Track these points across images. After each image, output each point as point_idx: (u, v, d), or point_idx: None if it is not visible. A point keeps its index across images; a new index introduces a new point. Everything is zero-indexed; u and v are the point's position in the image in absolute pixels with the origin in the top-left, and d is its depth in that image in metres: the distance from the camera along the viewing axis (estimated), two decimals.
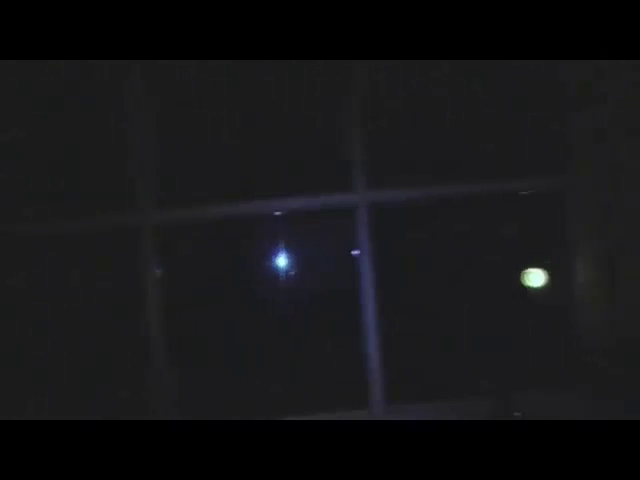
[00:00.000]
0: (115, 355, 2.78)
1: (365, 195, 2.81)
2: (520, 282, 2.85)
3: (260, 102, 2.85)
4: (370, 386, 2.78)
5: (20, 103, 2.75)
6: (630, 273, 2.66)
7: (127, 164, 2.78)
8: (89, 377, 2.76)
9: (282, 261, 2.92)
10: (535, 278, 2.81)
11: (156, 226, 2.78)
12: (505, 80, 2.87)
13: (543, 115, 2.87)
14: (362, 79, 2.82)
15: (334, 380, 2.84)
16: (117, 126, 2.80)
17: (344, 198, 2.83)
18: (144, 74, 2.78)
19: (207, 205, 2.80)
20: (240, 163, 2.87)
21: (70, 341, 2.77)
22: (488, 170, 2.86)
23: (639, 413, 2.40)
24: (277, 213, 2.88)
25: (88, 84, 2.78)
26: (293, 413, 2.70)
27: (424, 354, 2.87)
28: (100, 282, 2.79)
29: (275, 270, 2.92)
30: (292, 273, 2.93)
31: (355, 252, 2.85)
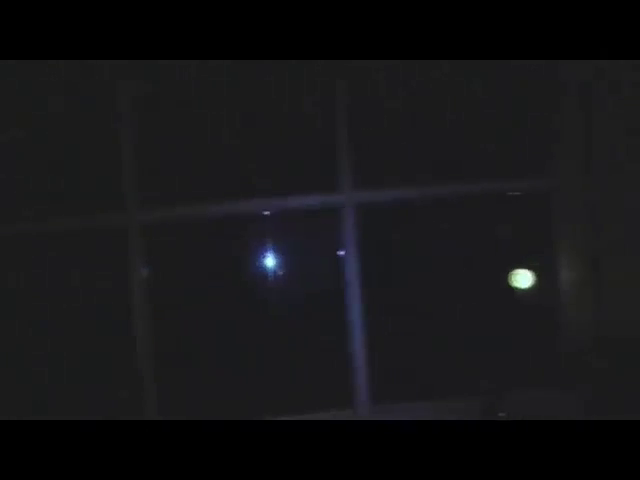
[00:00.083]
0: (101, 355, 2.76)
1: (352, 195, 2.80)
2: (507, 283, 2.85)
3: (247, 102, 2.84)
4: (355, 386, 2.78)
5: (6, 103, 2.72)
6: (615, 274, 2.67)
7: (114, 163, 2.76)
8: (75, 377, 2.74)
9: (269, 261, 2.91)
10: (522, 279, 2.81)
11: (143, 226, 2.76)
12: (492, 81, 2.88)
13: (529, 116, 2.88)
14: (349, 79, 2.80)
15: (320, 380, 2.83)
16: (104, 125, 2.77)
17: (330, 198, 2.82)
18: (133, 74, 2.75)
19: (192, 205, 2.78)
20: (226, 163, 2.86)
21: (56, 341, 2.75)
22: (475, 171, 2.86)
23: (625, 413, 2.41)
24: (266, 213, 2.87)
25: (76, 84, 2.75)
26: (278, 413, 2.68)
27: (410, 354, 2.87)
28: (86, 282, 2.77)
29: (262, 270, 2.91)
30: (279, 273, 2.92)
31: (341, 252, 2.84)
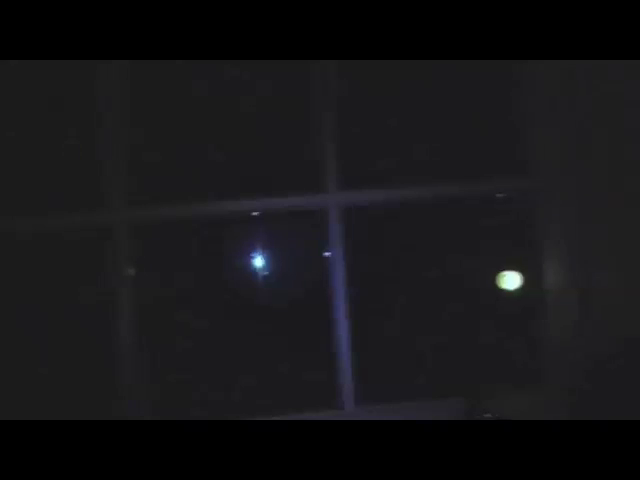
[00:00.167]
0: (86, 355, 2.73)
1: (337, 196, 2.80)
2: (492, 283, 2.86)
3: (232, 102, 2.84)
4: (340, 386, 2.77)
5: None
6: (600, 275, 2.69)
7: (100, 162, 2.74)
8: (58, 377, 2.71)
9: (254, 261, 2.91)
10: (510, 280, 2.82)
11: (129, 225, 2.73)
12: (474, 81, 2.89)
13: (514, 117, 2.90)
14: (334, 79, 2.80)
15: (304, 380, 2.83)
16: (89, 124, 2.75)
17: (316, 199, 2.82)
18: (116, 73, 2.73)
19: (178, 205, 2.77)
20: (212, 163, 2.85)
21: (39, 342, 2.71)
22: (460, 172, 2.87)
23: (609, 413, 2.42)
24: (255, 213, 2.86)
25: (59, 83, 2.73)
26: (262, 413, 2.67)
27: (395, 354, 2.88)
28: (71, 282, 2.75)
29: (247, 270, 2.91)
30: (264, 274, 2.92)
31: (327, 253, 2.83)
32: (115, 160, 2.73)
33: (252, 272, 2.92)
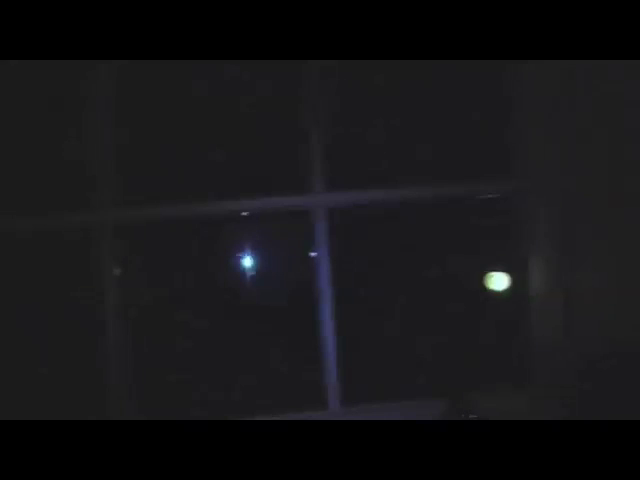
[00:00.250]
0: (73, 355, 2.72)
1: (323, 197, 2.81)
2: (478, 284, 2.87)
3: (221, 104, 2.83)
4: (326, 386, 2.78)
5: None
6: (585, 275, 2.71)
7: (87, 162, 2.73)
8: (45, 377, 2.69)
9: (241, 262, 2.91)
10: (498, 281, 2.83)
11: (114, 226, 2.73)
12: (463, 84, 2.90)
13: (502, 119, 2.91)
14: (319, 79, 2.81)
15: (291, 380, 2.83)
16: (76, 123, 2.74)
17: (302, 200, 2.82)
18: (103, 74, 2.72)
19: (163, 206, 2.77)
20: (198, 164, 2.84)
21: (25, 342, 2.70)
22: (447, 173, 2.88)
23: (593, 413, 2.44)
24: (244, 214, 2.86)
25: (47, 83, 2.71)
26: (250, 413, 2.67)
27: (381, 355, 2.89)
28: (57, 282, 2.73)
29: (233, 271, 2.91)
30: (251, 274, 2.92)
31: (313, 253, 2.84)
32: (102, 161, 2.73)
33: (239, 272, 2.92)
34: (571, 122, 2.72)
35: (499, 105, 2.92)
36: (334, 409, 2.76)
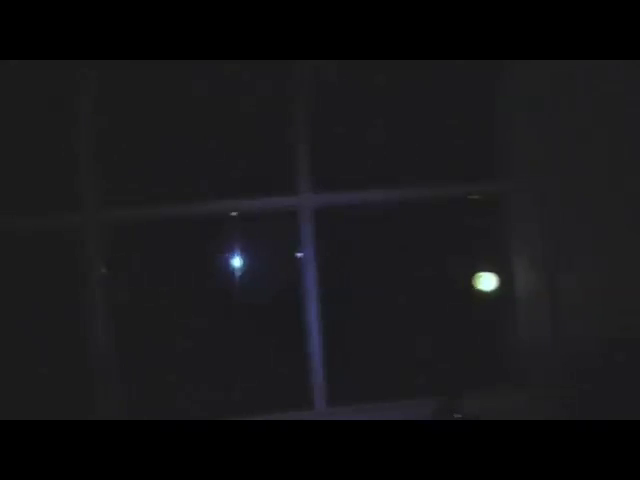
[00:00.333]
0: (59, 356, 2.71)
1: (309, 197, 2.80)
2: (465, 284, 2.88)
3: (206, 103, 2.82)
4: (312, 386, 2.77)
5: None
6: (570, 275, 2.72)
7: (73, 162, 2.71)
8: (31, 378, 2.67)
9: (227, 262, 2.90)
10: (486, 282, 2.84)
11: (101, 226, 2.72)
12: (449, 85, 2.91)
13: (488, 121, 2.92)
14: (307, 79, 2.80)
15: (277, 380, 2.83)
16: (63, 124, 2.72)
17: (288, 200, 2.82)
18: (90, 74, 2.70)
19: (149, 206, 2.76)
20: (184, 164, 2.83)
21: (12, 342, 2.67)
22: (432, 174, 2.89)
23: (578, 414, 2.45)
24: (233, 214, 2.85)
25: (35, 82, 2.69)
26: (236, 413, 2.66)
27: (367, 355, 2.89)
28: (44, 282, 2.72)
29: (220, 271, 2.90)
30: (237, 274, 2.91)
31: (299, 254, 2.83)
32: (89, 161, 2.71)
33: (226, 273, 2.91)
34: (558, 122, 2.73)
35: (484, 106, 2.94)
36: (320, 409, 2.76)
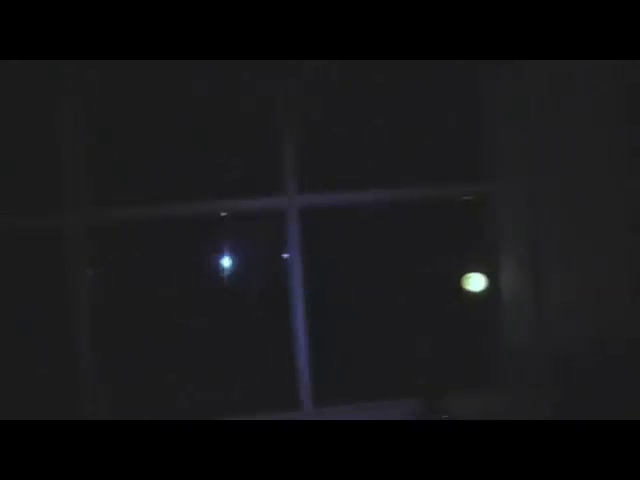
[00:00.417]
0: (44, 355, 2.70)
1: (296, 198, 2.81)
2: (454, 285, 2.89)
3: (193, 104, 2.82)
4: (299, 386, 2.78)
5: None
6: (555, 274, 2.74)
7: (60, 164, 2.69)
8: (17, 377, 2.65)
9: (214, 263, 2.90)
10: (475, 282, 2.85)
11: (87, 226, 2.71)
12: (438, 86, 2.92)
13: (471, 120, 2.93)
14: (294, 80, 2.81)
15: (264, 380, 2.83)
16: (50, 125, 2.70)
17: (275, 201, 2.82)
18: (76, 74, 2.69)
19: (134, 207, 2.75)
20: (172, 165, 2.83)
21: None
22: (420, 175, 2.90)
23: (564, 414, 2.47)
24: (223, 214, 2.85)
25: (20, 83, 2.67)
26: (222, 413, 2.66)
27: (353, 355, 2.90)
28: (30, 282, 2.71)
29: (207, 271, 2.89)
30: (224, 274, 2.91)
31: (286, 254, 2.84)
32: (75, 163, 2.70)
33: (212, 273, 2.91)
34: (543, 128, 2.75)
35: (470, 108, 2.95)
36: (307, 409, 2.76)
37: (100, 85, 2.73)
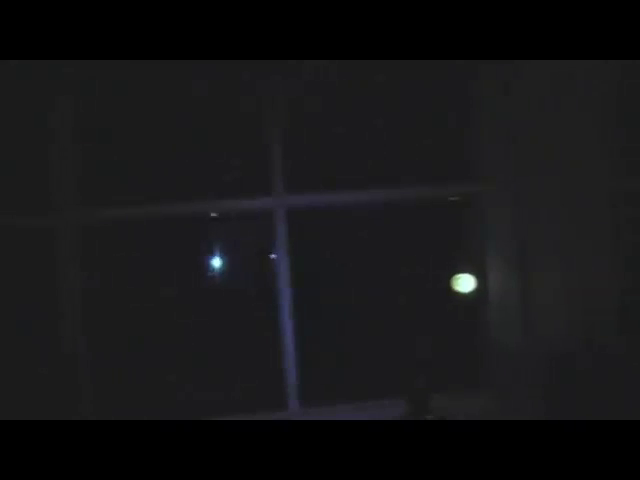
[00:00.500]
0: (33, 355, 2.68)
1: (283, 199, 2.81)
2: (439, 284, 2.90)
3: (182, 104, 2.81)
4: (286, 386, 2.78)
5: None
6: (543, 274, 2.75)
7: (49, 164, 2.69)
8: (11, 378, 2.63)
9: (202, 262, 2.89)
10: (464, 283, 2.85)
11: (76, 227, 2.71)
12: (426, 87, 2.92)
13: (457, 122, 2.94)
14: (282, 81, 2.80)
15: (251, 380, 2.83)
16: (39, 125, 2.69)
17: (262, 202, 2.82)
18: (69, 74, 2.67)
19: (125, 207, 2.75)
20: (160, 166, 2.82)
21: None
22: (405, 175, 2.90)
23: (551, 414, 2.48)
24: (213, 215, 2.85)
25: (9, 84, 2.65)
26: (210, 413, 2.65)
27: (341, 355, 2.90)
28: (19, 282, 2.68)
29: (194, 271, 2.89)
30: (211, 274, 2.90)
31: (274, 255, 2.83)
32: (65, 163, 2.70)
33: (199, 273, 2.90)
34: (531, 129, 2.76)
35: (457, 108, 2.95)
36: (294, 409, 2.76)
37: (92, 85, 2.72)
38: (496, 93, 2.82)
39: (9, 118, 2.67)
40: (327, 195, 2.85)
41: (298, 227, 2.82)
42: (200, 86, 2.80)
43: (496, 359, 2.83)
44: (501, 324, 2.82)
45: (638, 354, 2.63)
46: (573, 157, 2.75)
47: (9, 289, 2.67)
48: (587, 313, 2.71)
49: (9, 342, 2.65)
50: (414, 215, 2.96)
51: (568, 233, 2.75)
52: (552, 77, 2.74)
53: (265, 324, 2.83)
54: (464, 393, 2.82)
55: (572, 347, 2.61)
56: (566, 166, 2.75)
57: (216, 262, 2.90)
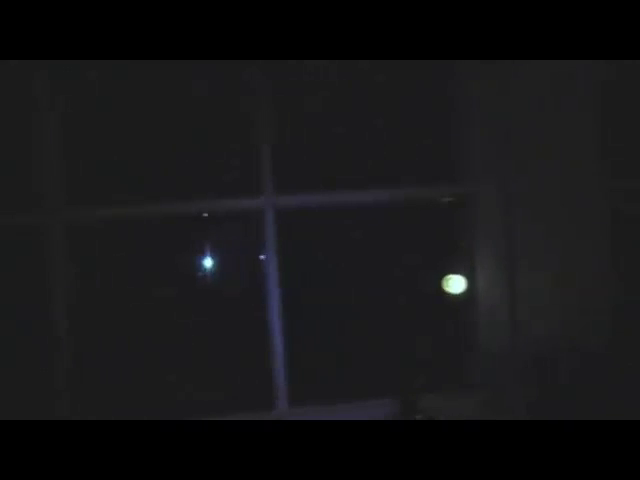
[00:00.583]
0: (22, 355, 2.67)
1: (272, 199, 2.80)
2: (429, 285, 2.90)
3: (170, 104, 2.80)
4: (275, 386, 2.77)
5: None
6: (532, 275, 2.76)
7: (37, 163, 2.68)
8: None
9: (191, 262, 2.88)
10: (455, 284, 2.85)
11: (66, 226, 2.69)
12: (414, 87, 2.93)
13: (446, 120, 2.95)
14: (272, 80, 2.80)
15: (239, 380, 2.82)
16: (25, 123, 2.68)
17: (251, 202, 2.81)
18: (52, 74, 2.67)
19: (114, 207, 2.74)
20: (149, 166, 2.81)
21: None
22: (397, 176, 2.90)
23: (540, 414, 2.49)
24: (205, 215, 2.84)
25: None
26: (198, 413, 2.64)
27: (329, 355, 2.90)
28: (7, 282, 2.68)
29: (183, 271, 2.88)
30: (200, 274, 2.89)
31: (263, 255, 2.83)
32: (52, 162, 2.68)
33: (188, 273, 2.89)
34: (520, 130, 2.77)
35: (447, 109, 2.96)
36: (282, 409, 2.76)
37: (80, 84, 2.72)
38: (490, 94, 2.82)
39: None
40: (317, 195, 2.85)
41: (288, 227, 2.81)
42: (188, 86, 2.79)
43: (486, 359, 2.84)
44: (490, 325, 2.83)
45: (627, 355, 2.64)
46: (565, 158, 2.76)
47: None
48: (578, 314, 2.72)
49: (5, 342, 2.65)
50: (406, 216, 2.96)
51: (558, 234, 2.75)
52: (545, 78, 2.75)
53: (254, 324, 2.82)
54: (454, 393, 2.82)
55: (561, 348, 2.62)
56: (557, 167, 2.76)
57: (206, 262, 2.89)
